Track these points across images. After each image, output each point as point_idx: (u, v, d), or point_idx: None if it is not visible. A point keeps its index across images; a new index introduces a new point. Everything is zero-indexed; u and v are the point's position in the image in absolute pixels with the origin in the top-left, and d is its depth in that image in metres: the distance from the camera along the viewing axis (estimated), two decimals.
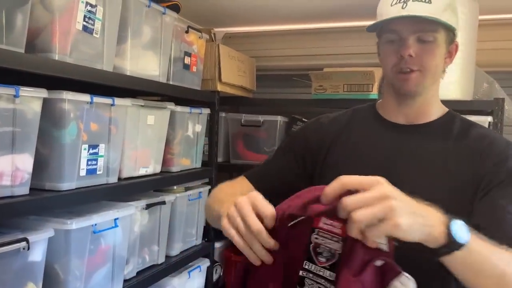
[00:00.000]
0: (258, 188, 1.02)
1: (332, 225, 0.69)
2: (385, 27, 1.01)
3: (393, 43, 1.00)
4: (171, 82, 1.75)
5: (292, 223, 0.72)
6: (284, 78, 2.56)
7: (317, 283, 0.70)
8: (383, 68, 1.07)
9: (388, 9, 0.98)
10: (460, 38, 1.96)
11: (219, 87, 2.07)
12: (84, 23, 1.27)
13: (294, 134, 1.28)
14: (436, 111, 1.06)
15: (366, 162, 1.03)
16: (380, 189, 0.65)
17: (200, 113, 1.96)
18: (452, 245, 0.68)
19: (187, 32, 1.82)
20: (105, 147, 1.38)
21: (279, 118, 2.26)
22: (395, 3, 0.97)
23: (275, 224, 0.72)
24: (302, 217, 0.71)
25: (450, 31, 1.01)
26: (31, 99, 1.12)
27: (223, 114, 2.30)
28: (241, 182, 1.15)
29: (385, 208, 0.63)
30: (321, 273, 0.69)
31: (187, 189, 1.90)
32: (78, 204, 1.32)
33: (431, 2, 0.96)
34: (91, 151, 1.32)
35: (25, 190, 1.13)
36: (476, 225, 0.74)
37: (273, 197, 0.78)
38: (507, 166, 0.92)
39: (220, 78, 2.06)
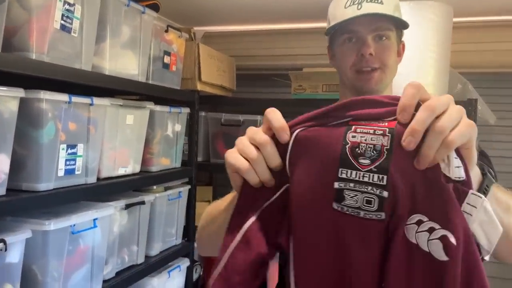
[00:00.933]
0: None
1: (374, 124, 0.55)
2: (343, 28, 1.03)
3: (351, 43, 1.03)
4: (150, 82, 1.74)
5: (312, 125, 0.59)
6: (264, 78, 2.57)
7: (363, 192, 0.54)
8: (340, 69, 1.09)
9: (343, 11, 1.02)
10: (434, 41, 2.01)
11: (199, 87, 2.07)
12: (62, 22, 1.25)
13: None
14: None
15: None
16: (452, 103, 0.54)
17: (180, 113, 1.96)
18: (488, 180, 0.64)
19: (166, 31, 1.82)
20: (84, 147, 1.37)
21: (259, 118, 2.27)
22: (349, 5, 1.00)
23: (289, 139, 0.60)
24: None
25: (399, 30, 1.06)
26: (8, 99, 1.11)
27: (203, 114, 2.30)
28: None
29: (461, 116, 0.54)
30: (366, 179, 0.54)
31: (166, 188, 1.89)
32: (56, 205, 1.30)
33: (383, 3, 1.00)
34: (69, 151, 1.31)
35: (1, 191, 1.12)
36: None
37: None
38: None
39: (200, 77, 2.06)
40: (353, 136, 0.55)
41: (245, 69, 2.53)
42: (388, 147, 0.53)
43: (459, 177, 0.54)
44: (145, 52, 1.69)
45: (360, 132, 0.55)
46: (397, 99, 0.54)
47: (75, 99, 1.29)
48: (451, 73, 2.12)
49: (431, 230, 0.52)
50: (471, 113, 2.03)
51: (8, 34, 1.14)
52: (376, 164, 0.53)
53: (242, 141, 0.63)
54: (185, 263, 2.02)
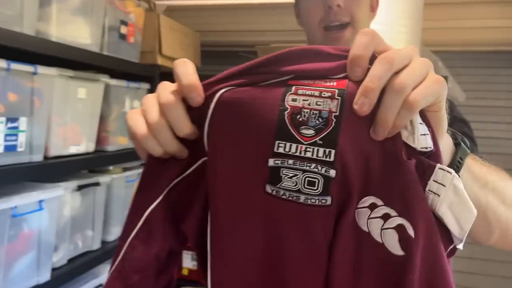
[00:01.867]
0: None
1: (320, 83, 0.44)
2: None
3: None
4: (105, 53, 1.60)
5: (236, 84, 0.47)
6: (230, 54, 2.45)
7: (304, 171, 0.43)
8: (306, 27, 0.98)
9: None
10: (405, 17, 1.94)
11: (160, 61, 1.93)
12: None
13: None
14: None
15: None
16: (414, 54, 0.44)
17: (139, 88, 1.82)
18: (462, 151, 0.53)
19: None
20: (27, 121, 1.23)
21: None
22: None
23: (208, 105, 0.47)
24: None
25: None
26: None
27: None
28: None
29: (427, 71, 0.44)
30: (309, 154, 0.43)
31: (125, 169, 1.77)
32: None
33: None
34: (9, 125, 1.17)
35: None
36: None
37: None
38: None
39: (160, 51, 1.92)
40: (294, 100, 0.44)
41: (210, 45, 2.41)
42: (337, 114, 0.42)
43: (426, 147, 0.44)
44: (99, 20, 1.55)
45: (302, 95, 0.44)
46: (348, 50, 0.43)
47: (15, 66, 1.15)
48: (422, 51, 2.08)
49: (386, 217, 0.43)
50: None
51: None
52: (322, 135, 0.43)
53: (148, 100, 0.50)
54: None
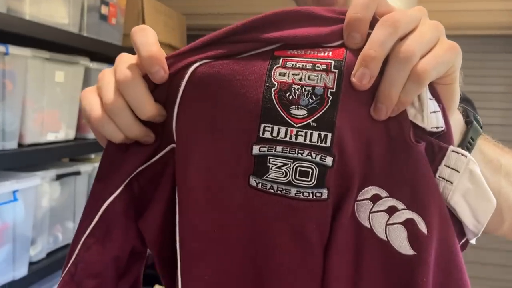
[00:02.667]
0: None
1: (312, 52, 0.37)
2: None
3: None
4: (84, 34, 1.51)
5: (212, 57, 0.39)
6: None
7: (295, 159, 0.36)
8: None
9: None
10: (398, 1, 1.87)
11: None
12: None
13: None
14: None
15: None
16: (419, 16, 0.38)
17: None
18: (474, 130, 0.47)
19: None
20: None
21: None
22: None
23: (179, 81, 0.40)
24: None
25: None
26: None
27: None
28: None
29: (438, 36, 0.37)
30: (301, 139, 0.36)
31: None
32: None
33: None
34: None
35: None
36: None
37: None
38: None
39: None
40: (282, 74, 0.37)
41: (197, 28, 2.31)
42: (333, 90, 0.35)
43: (437, 127, 0.37)
44: None
45: (291, 68, 0.36)
46: (345, 12, 0.36)
47: None
48: None
49: (392, 211, 0.37)
50: None
51: None
52: (317, 116, 0.36)
53: (104, 76, 0.42)
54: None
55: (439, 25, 0.38)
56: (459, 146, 0.42)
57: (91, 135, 1.58)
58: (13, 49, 1.15)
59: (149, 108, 0.40)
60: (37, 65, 1.28)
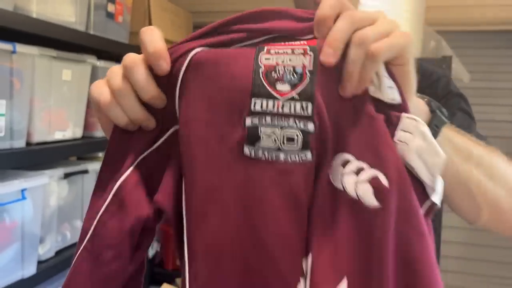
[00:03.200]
0: None
1: (290, 43, 0.44)
2: None
3: None
4: (91, 32, 1.51)
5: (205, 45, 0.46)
6: None
7: (282, 127, 0.42)
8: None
9: None
10: None
11: None
12: None
13: None
14: None
15: None
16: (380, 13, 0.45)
17: None
18: (437, 118, 0.55)
19: None
20: (7, 104, 1.14)
21: None
22: None
23: (179, 67, 0.46)
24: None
25: None
26: None
27: None
28: None
29: (392, 28, 0.44)
30: (286, 110, 0.42)
31: None
32: None
33: None
34: None
35: None
36: None
37: None
38: None
39: None
40: (267, 59, 0.44)
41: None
42: (311, 69, 0.43)
43: (393, 99, 0.44)
44: None
45: (275, 53, 0.44)
46: (312, 12, 0.45)
47: None
48: (425, 30, 2.01)
49: (359, 171, 0.43)
50: (445, 71, 1.92)
51: None
52: (298, 89, 0.42)
53: (113, 69, 0.48)
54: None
55: (395, 21, 0.45)
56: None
57: (98, 134, 1.58)
58: (20, 48, 1.15)
59: (151, 89, 0.45)
60: (44, 64, 1.28)
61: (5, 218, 1.13)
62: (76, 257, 0.46)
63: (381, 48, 0.41)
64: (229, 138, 0.44)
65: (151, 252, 2.02)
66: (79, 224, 1.49)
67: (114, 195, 0.46)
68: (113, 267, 0.46)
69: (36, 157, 1.28)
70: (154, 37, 0.45)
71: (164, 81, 0.46)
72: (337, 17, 0.43)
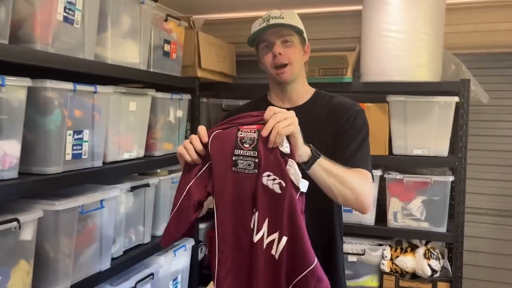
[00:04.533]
0: None
1: (251, 126, 1.08)
2: (260, 39, 1.41)
3: (267, 49, 1.39)
4: (151, 70, 1.81)
5: (223, 128, 1.11)
6: None
7: (246, 160, 1.06)
8: (265, 68, 1.43)
9: (257, 28, 1.39)
10: (426, 25, 2.05)
11: (199, 73, 2.13)
12: (65, 14, 1.32)
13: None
14: (308, 92, 1.47)
15: None
16: (288, 114, 1.07)
17: (181, 99, 2.03)
18: (314, 156, 1.12)
19: (166, 20, 1.88)
20: (89, 133, 1.45)
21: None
22: (261, 23, 1.38)
23: (208, 139, 1.10)
24: (231, 127, 1.10)
25: (301, 35, 1.41)
26: (16, 88, 1.18)
27: (204, 100, 2.37)
28: None
29: (291, 122, 1.05)
30: (247, 154, 1.05)
31: (170, 172, 1.98)
32: (65, 187, 1.39)
33: (283, 18, 1.37)
34: (75, 136, 1.39)
35: (13, 174, 1.20)
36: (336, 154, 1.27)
37: None
38: (351, 119, 1.37)
39: (200, 65, 2.12)
40: (240, 134, 1.07)
41: (245, 55, 2.58)
42: (256, 138, 1.05)
43: (287, 152, 1.05)
44: (146, 41, 1.76)
45: (244, 131, 1.07)
46: (262, 113, 1.07)
47: (80, 87, 1.37)
48: (445, 54, 2.17)
49: (274, 180, 1.04)
50: (464, 93, 2.08)
51: (13, 27, 1.21)
52: (252, 146, 1.05)
53: (185, 141, 1.13)
54: (190, 243, 2.11)
55: (293, 116, 1.07)
56: (306, 162, 1.11)
57: (156, 153, 1.88)
58: (100, 88, 1.46)
59: (199, 148, 1.11)
60: (116, 99, 1.59)
61: (88, 222, 1.43)
62: (171, 214, 1.12)
63: (283, 131, 1.03)
64: (228, 164, 1.07)
65: (200, 255, 2.29)
66: (141, 229, 1.78)
67: (186, 192, 1.10)
68: (186, 217, 1.10)
69: (110, 174, 1.59)
70: (201, 129, 1.11)
71: (205, 144, 1.09)
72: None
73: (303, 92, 1.45)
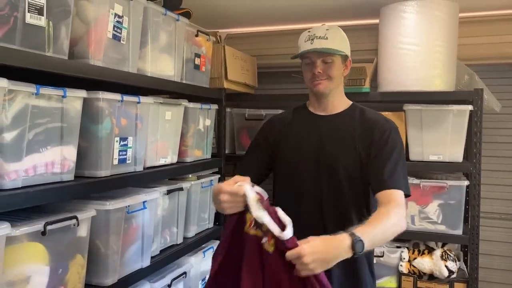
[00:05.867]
0: (247, 175, 1.31)
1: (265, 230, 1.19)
2: (304, 56, 1.52)
3: (309, 65, 1.51)
4: (184, 81, 1.95)
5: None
6: (284, 75, 2.76)
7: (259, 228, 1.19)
8: (305, 79, 1.55)
9: (303, 44, 1.52)
10: (441, 37, 2.17)
11: (226, 85, 2.27)
12: (114, 32, 1.46)
13: (258, 132, 1.71)
14: (343, 104, 1.57)
15: (305, 142, 1.54)
16: (301, 251, 1.11)
17: (209, 109, 2.16)
18: (357, 253, 1.16)
19: (196, 35, 2.02)
20: (133, 140, 1.58)
21: (280, 112, 2.46)
22: (307, 40, 1.51)
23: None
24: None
25: (343, 55, 1.50)
26: (74, 99, 1.32)
27: (228, 109, 2.50)
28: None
29: (308, 263, 1.10)
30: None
31: (199, 177, 2.10)
32: (111, 189, 1.52)
33: (327, 39, 1.48)
34: (122, 143, 1.52)
35: (71, 177, 1.33)
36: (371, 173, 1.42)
37: (259, 177, 1.49)
38: (385, 136, 1.45)
39: (226, 76, 2.25)
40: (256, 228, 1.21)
41: (266, 67, 2.72)
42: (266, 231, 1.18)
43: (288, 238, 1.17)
44: (179, 55, 1.90)
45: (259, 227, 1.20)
46: (281, 221, 1.16)
47: (126, 98, 1.50)
48: (459, 65, 2.28)
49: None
50: (478, 102, 2.19)
51: (70, 44, 1.35)
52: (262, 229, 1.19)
53: (215, 187, 1.29)
54: (217, 245, 2.21)
55: (315, 254, 1.11)
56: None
57: (188, 159, 2.01)
58: (143, 99, 1.59)
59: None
60: (155, 108, 1.72)
61: (132, 222, 1.55)
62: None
63: (310, 268, 1.10)
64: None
65: None
66: (175, 230, 1.90)
67: (226, 236, 1.28)
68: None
69: (148, 178, 1.71)
70: (235, 188, 1.20)
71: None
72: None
73: (339, 104, 1.55)
